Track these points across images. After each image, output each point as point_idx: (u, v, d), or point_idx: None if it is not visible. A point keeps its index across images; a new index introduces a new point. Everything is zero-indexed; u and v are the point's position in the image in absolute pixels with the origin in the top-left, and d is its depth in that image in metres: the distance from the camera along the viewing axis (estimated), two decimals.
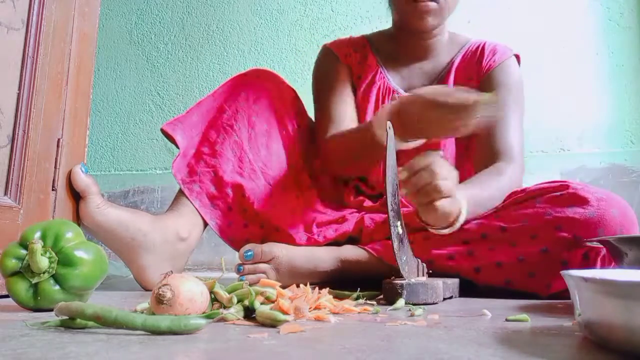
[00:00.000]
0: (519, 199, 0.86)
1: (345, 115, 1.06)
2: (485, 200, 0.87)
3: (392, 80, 1.09)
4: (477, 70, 1.06)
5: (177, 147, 1.01)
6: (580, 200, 0.79)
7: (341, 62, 1.12)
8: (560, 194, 0.81)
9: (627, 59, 1.81)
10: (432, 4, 0.98)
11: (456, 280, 0.79)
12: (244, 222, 0.99)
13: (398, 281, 0.67)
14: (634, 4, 1.83)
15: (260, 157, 1.03)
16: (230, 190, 0.99)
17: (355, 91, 1.11)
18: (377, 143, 0.87)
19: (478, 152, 1.00)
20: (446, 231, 0.78)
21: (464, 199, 0.77)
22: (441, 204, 0.72)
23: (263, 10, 2.04)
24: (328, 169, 1.06)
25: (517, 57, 1.09)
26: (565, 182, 0.85)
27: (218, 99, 1.04)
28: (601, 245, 0.75)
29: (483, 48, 1.08)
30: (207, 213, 0.97)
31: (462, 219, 0.77)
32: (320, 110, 1.10)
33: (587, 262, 0.78)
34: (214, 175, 0.99)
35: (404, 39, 1.10)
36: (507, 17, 1.89)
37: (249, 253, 0.86)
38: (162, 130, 1.01)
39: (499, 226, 0.84)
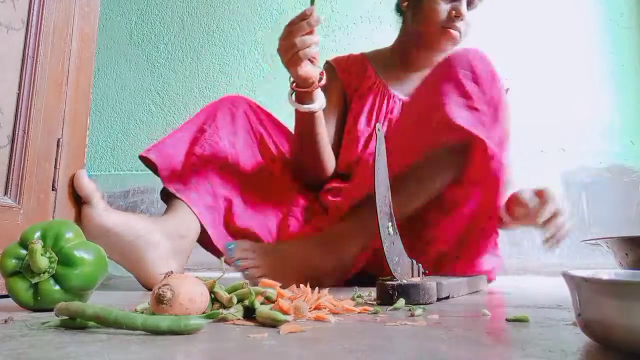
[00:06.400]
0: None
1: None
2: None
3: (391, 87, 1.16)
4: None
5: (153, 170, 1.02)
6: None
7: (337, 76, 1.21)
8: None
9: (627, 59, 1.81)
10: (458, 33, 1.08)
11: (455, 280, 0.79)
12: (229, 234, 1.03)
13: (390, 282, 0.67)
14: (634, 4, 1.83)
15: (244, 173, 1.07)
16: (222, 202, 1.03)
17: (348, 103, 1.19)
18: (297, 113, 0.99)
19: None
20: None
21: None
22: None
23: (263, 10, 2.04)
24: (299, 179, 1.12)
25: None
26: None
27: (196, 122, 1.08)
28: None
29: None
30: (206, 218, 0.99)
31: None
32: None
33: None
34: (209, 187, 1.02)
35: (411, 51, 1.16)
36: (507, 18, 1.89)
37: (232, 246, 0.89)
38: (140, 157, 1.03)
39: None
